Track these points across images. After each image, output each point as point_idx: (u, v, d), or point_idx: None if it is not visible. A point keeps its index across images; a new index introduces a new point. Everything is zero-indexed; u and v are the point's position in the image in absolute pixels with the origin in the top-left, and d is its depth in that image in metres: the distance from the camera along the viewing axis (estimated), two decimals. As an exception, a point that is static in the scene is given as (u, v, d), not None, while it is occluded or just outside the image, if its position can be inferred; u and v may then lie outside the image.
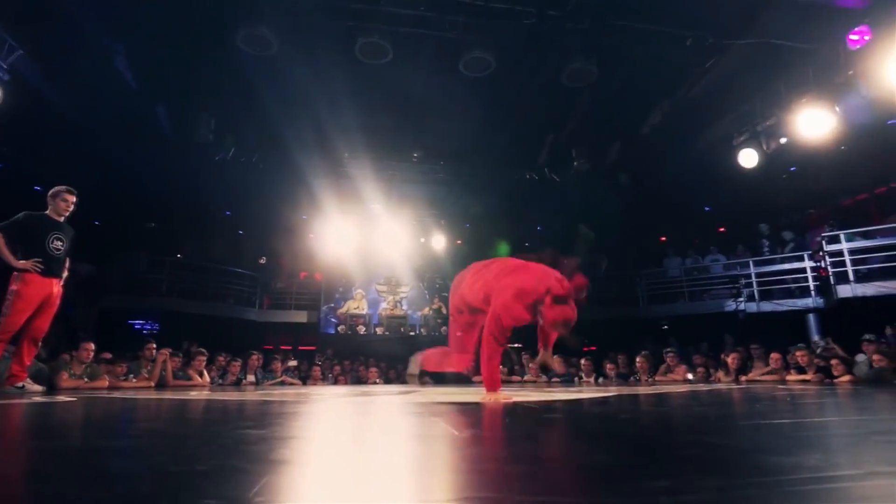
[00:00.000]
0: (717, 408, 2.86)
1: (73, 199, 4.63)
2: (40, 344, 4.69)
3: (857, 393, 3.85)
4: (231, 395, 4.46)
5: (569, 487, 0.93)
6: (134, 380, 5.91)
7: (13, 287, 4.26)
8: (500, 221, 12.71)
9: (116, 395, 4.39)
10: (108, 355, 6.28)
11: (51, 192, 4.60)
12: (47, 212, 4.58)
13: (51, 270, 4.43)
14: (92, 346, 5.57)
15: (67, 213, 4.63)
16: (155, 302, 10.15)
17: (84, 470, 1.05)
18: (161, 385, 6.07)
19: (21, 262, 4.29)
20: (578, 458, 1.25)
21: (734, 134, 8.33)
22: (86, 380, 5.41)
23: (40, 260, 4.34)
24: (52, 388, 4.94)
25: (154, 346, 6.32)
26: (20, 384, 4.37)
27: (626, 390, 4.82)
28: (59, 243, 4.52)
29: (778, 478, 0.90)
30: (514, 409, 2.57)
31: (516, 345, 11.25)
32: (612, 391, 4.64)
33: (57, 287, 4.53)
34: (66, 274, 4.67)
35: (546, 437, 1.67)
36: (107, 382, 5.58)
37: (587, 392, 4.63)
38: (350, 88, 8.18)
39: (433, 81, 7.87)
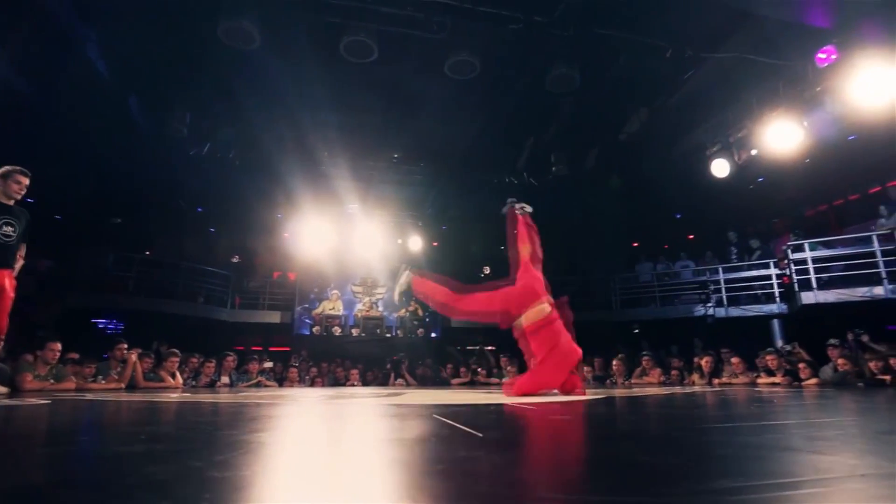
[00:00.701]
0: (703, 409, 2.94)
1: (26, 181, 4.21)
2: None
3: (838, 395, 4.03)
4: (210, 398, 4.33)
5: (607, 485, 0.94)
6: (103, 381, 5.66)
7: None
8: (476, 224, 12.77)
9: (89, 397, 4.20)
10: (76, 356, 6.00)
11: (0, 171, 4.19)
12: None
13: (0, 260, 4.07)
14: (58, 346, 5.29)
15: (19, 196, 4.22)
16: (121, 301, 9.75)
17: (47, 474, 1.00)
18: (132, 387, 5.84)
19: None
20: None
21: (707, 144, 8.60)
22: (52, 381, 5.16)
23: None
24: (14, 390, 4.69)
25: (125, 346, 6.06)
26: None
27: (618, 392, 4.91)
28: (10, 229, 4.12)
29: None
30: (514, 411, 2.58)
31: (490, 347, 11.34)
32: (601, 394, 4.70)
33: (9, 278, 4.13)
34: (20, 263, 4.28)
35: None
36: (74, 384, 5.32)
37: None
38: (332, 86, 8.09)
39: (417, 82, 7.87)
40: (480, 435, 1.64)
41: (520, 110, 8.56)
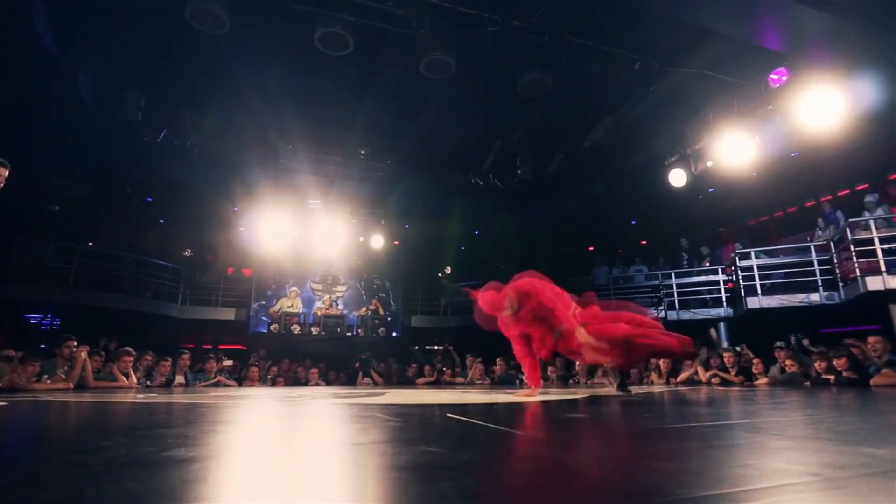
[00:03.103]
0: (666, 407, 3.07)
1: (6, 172, 4.08)
2: None
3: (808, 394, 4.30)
4: (181, 398, 4.10)
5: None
6: (49, 381, 5.22)
7: None
8: (439, 223, 12.78)
9: (39, 397, 3.87)
10: (12, 353, 5.53)
11: None
12: None
13: None
14: (-4, 342, 4.87)
15: None
16: (59, 294, 9.06)
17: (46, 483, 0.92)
18: (81, 386, 5.43)
19: None
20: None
21: (666, 154, 9.00)
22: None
23: None
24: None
25: (74, 343, 5.62)
26: None
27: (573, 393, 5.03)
28: None
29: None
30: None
31: (449, 346, 11.36)
32: (580, 393, 4.81)
33: None
34: None
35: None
36: (11, 382, 4.89)
37: (552, 394, 4.76)
38: (300, 78, 7.88)
39: (390, 79, 7.79)
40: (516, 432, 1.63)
41: (490, 112, 8.64)
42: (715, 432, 1.69)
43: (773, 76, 7.21)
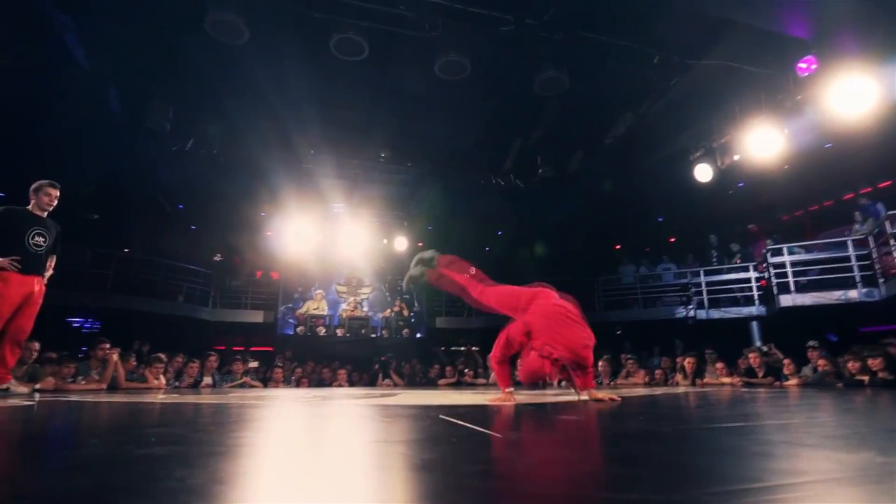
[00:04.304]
0: (691, 410, 2.99)
1: (57, 192, 4.44)
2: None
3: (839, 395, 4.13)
4: (203, 399, 4.24)
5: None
6: (83, 382, 5.49)
7: None
8: (462, 224, 12.79)
9: (73, 398, 4.07)
10: (54, 355, 5.82)
11: (33, 186, 4.43)
12: (29, 206, 4.38)
13: (31, 268, 4.23)
14: (37, 345, 5.16)
15: (51, 208, 4.46)
16: (98, 299, 9.48)
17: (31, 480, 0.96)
18: (113, 388, 5.68)
19: None
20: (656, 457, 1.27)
21: (691, 149, 8.77)
22: (27, 381, 4.98)
23: (18, 258, 4.12)
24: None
25: (108, 345, 5.89)
26: (4, 386, 4.17)
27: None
28: (41, 239, 4.33)
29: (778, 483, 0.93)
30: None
31: (475, 347, 11.35)
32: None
33: (39, 285, 4.35)
34: (49, 272, 4.50)
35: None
36: (52, 384, 5.15)
37: (551, 396, 4.72)
38: (319, 84, 8.01)
39: (406, 82, 7.84)
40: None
41: (508, 112, 8.60)
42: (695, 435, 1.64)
43: (801, 65, 6.93)
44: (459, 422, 1.96)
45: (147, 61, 7.24)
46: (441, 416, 2.16)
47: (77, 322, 10.98)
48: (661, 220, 13.08)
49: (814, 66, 6.84)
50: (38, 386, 4.95)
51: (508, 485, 0.96)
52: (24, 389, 4.30)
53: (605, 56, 6.84)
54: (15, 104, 7.41)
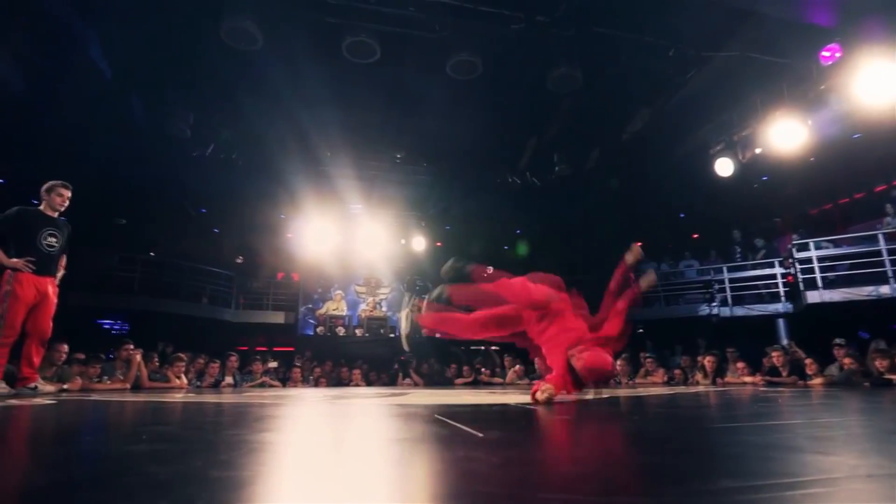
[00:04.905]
0: (709, 409, 2.93)
1: (69, 193, 4.52)
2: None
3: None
4: (215, 398, 4.34)
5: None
6: (108, 382, 5.69)
7: (6, 287, 4.12)
8: (479, 224, 12.77)
9: (94, 397, 4.22)
10: (82, 356, 6.03)
11: (45, 186, 4.49)
12: (41, 207, 4.45)
13: (44, 268, 4.31)
14: (65, 347, 5.35)
15: (62, 208, 4.52)
16: (125, 301, 9.80)
17: (48, 474, 1.00)
18: (137, 387, 5.87)
19: (13, 260, 4.16)
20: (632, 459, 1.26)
21: (711, 143, 8.57)
22: (56, 382, 5.18)
23: (33, 258, 4.22)
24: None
25: (131, 346, 6.09)
26: (33, 385, 4.28)
27: (610, 392, 4.89)
28: (53, 240, 4.40)
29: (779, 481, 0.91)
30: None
31: (494, 347, 11.31)
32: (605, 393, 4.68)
33: (52, 286, 4.41)
34: (61, 272, 4.57)
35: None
36: (79, 384, 5.35)
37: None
38: (333, 87, 8.09)
39: (419, 82, 7.86)
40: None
41: (522, 110, 8.55)
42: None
43: (825, 53, 6.71)
44: (451, 422, 1.96)
45: (166, 70, 7.44)
46: (436, 416, 2.17)
47: (107, 324, 11.36)
48: (682, 216, 12.81)
49: (837, 55, 6.61)
50: (65, 386, 5.13)
51: (464, 484, 0.96)
52: (50, 388, 4.46)
53: (617, 51, 6.74)
54: (45, 116, 7.70)
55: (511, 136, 9.56)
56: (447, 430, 1.77)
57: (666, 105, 8.15)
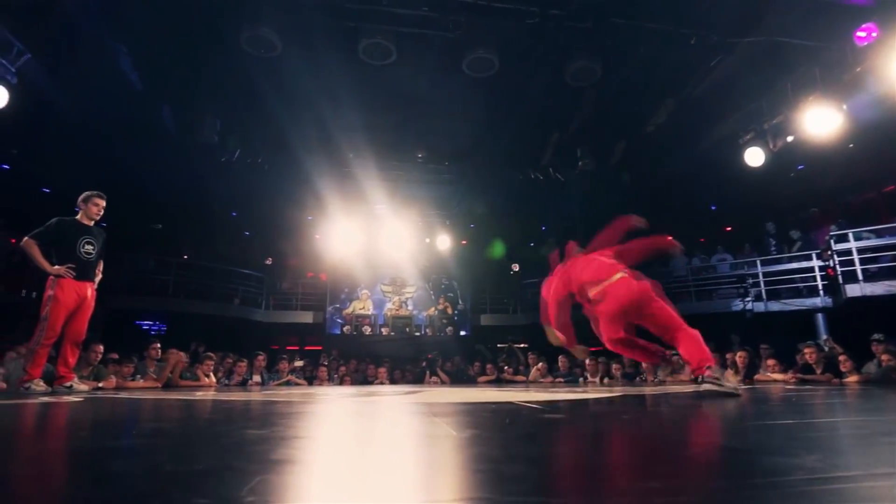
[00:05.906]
0: (721, 408, 2.84)
1: (104, 203, 4.75)
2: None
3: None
4: (242, 396, 4.48)
5: (565, 488, 0.93)
6: (141, 380, 5.94)
7: (49, 292, 4.37)
8: (504, 221, 12.72)
9: (123, 394, 4.42)
10: (116, 356, 6.32)
11: (81, 196, 4.73)
12: (78, 216, 4.70)
13: (83, 274, 4.54)
14: (101, 347, 5.62)
15: (98, 217, 4.76)
16: (161, 302, 10.21)
17: (86, 470, 1.05)
18: (168, 386, 6.11)
19: (55, 267, 4.41)
20: (578, 459, 1.25)
21: (740, 132, 8.27)
22: (93, 381, 5.45)
23: (73, 265, 4.46)
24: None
25: (159, 345, 6.35)
26: (68, 384, 4.52)
27: (632, 391, 4.80)
28: (90, 247, 4.63)
29: (780, 478, 0.89)
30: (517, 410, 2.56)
31: (523, 345, 11.25)
32: (617, 391, 4.61)
33: (91, 290, 4.65)
34: (99, 277, 4.79)
35: (546, 437, 1.66)
36: (114, 383, 5.61)
37: (592, 392, 4.61)
38: (354, 89, 8.19)
39: (437, 81, 7.87)
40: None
41: (542, 105, 8.44)
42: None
43: (860, 34, 6.37)
44: (439, 420, 1.97)
45: (193, 79, 7.69)
46: (433, 415, 2.19)
47: (146, 325, 11.85)
48: (714, 208, 12.42)
49: (874, 35, 6.28)
50: (101, 384, 5.39)
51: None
52: (84, 387, 4.69)
53: (636, 41, 6.58)
54: (79, 126, 8.08)
55: (532, 131, 9.46)
56: (428, 427, 1.79)
57: (691, 95, 7.91)
